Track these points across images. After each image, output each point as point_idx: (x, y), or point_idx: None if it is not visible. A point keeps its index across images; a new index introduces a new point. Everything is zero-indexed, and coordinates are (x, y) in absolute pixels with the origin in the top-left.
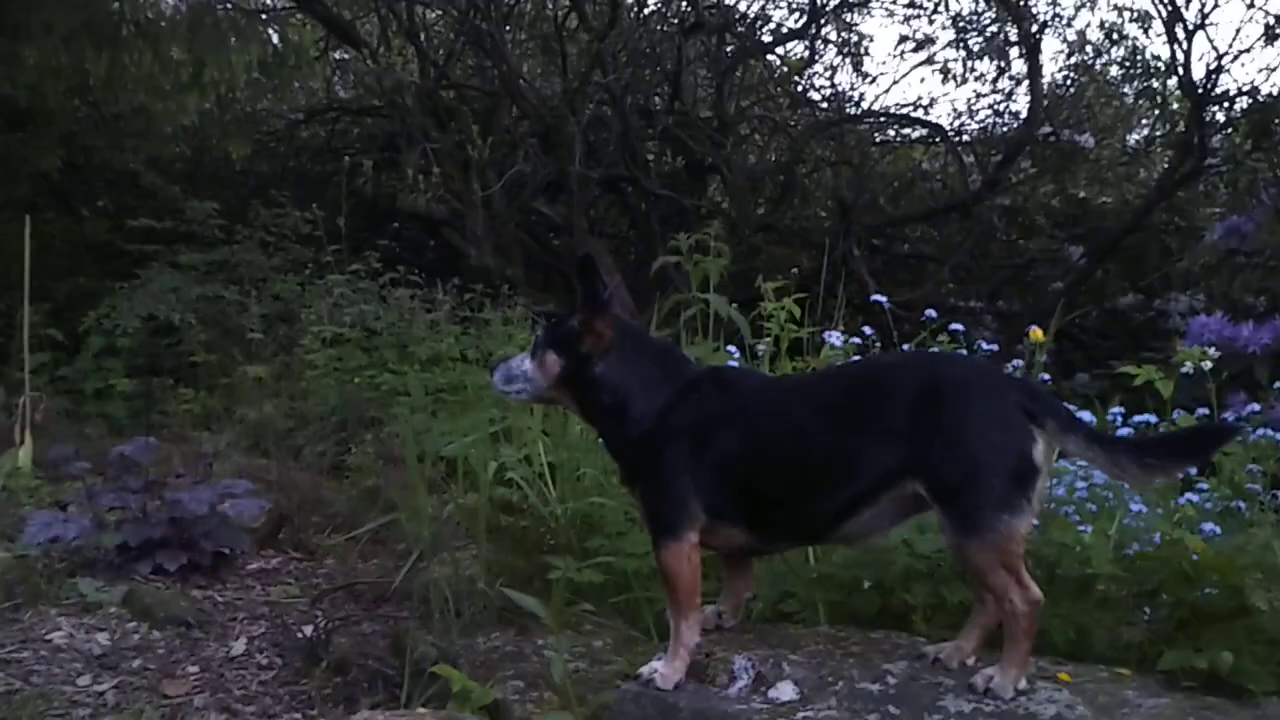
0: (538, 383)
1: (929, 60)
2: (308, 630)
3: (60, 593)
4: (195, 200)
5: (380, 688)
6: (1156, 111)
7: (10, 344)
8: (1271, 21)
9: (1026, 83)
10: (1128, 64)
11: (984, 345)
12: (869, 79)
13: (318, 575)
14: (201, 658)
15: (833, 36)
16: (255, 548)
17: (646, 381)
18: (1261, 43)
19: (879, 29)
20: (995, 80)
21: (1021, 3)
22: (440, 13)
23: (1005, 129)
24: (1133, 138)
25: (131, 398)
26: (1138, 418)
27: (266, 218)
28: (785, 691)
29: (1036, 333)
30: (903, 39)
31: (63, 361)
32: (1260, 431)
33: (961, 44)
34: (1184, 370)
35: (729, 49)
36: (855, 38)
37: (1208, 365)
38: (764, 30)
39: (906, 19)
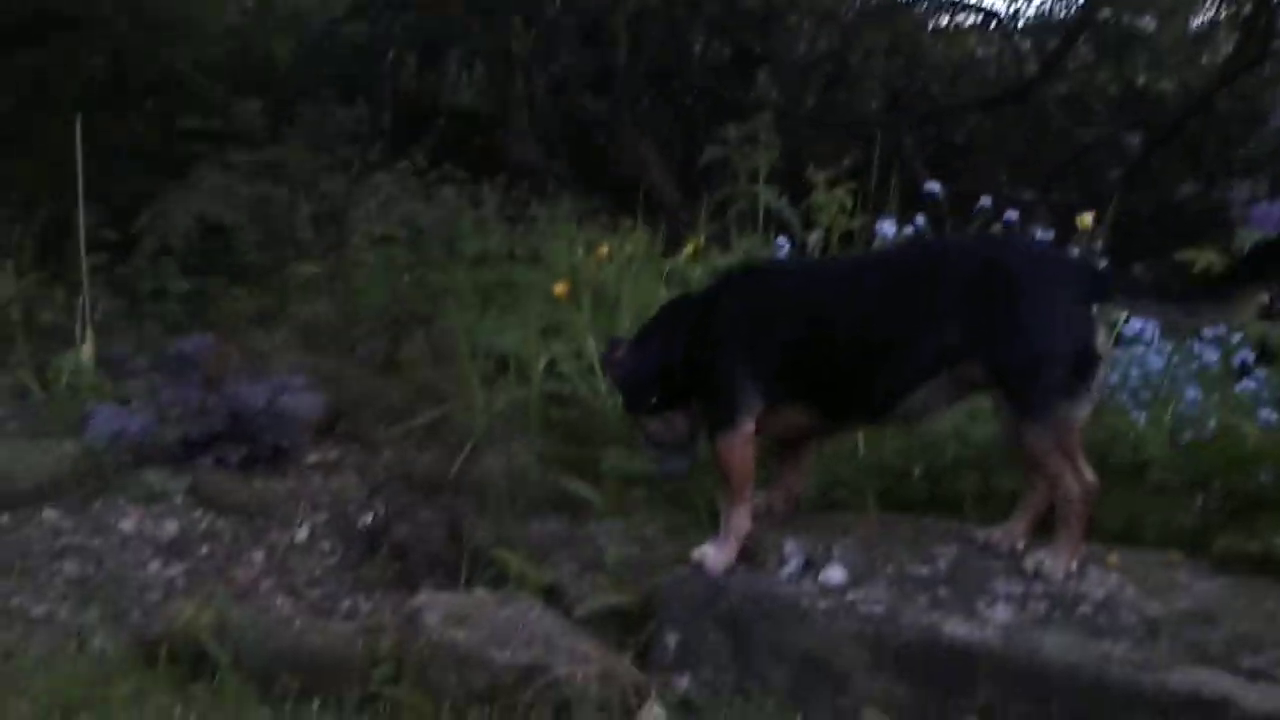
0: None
1: None
2: (367, 519)
3: (127, 484)
4: (241, 100)
5: (439, 572)
6: None
7: (67, 245)
8: None
9: None
10: None
11: (1038, 234)
12: None
13: (375, 467)
14: (266, 545)
15: None
16: (313, 440)
17: (655, 342)
18: None
19: None
20: None
21: None
22: None
23: (1063, 13)
24: (1196, 20)
25: (187, 297)
26: None
27: (312, 116)
28: (835, 575)
29: (1083, 219)
30: None
31: (118, 262)
32: None
33: None
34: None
35: None
36: None
37: None
38: None
39: None
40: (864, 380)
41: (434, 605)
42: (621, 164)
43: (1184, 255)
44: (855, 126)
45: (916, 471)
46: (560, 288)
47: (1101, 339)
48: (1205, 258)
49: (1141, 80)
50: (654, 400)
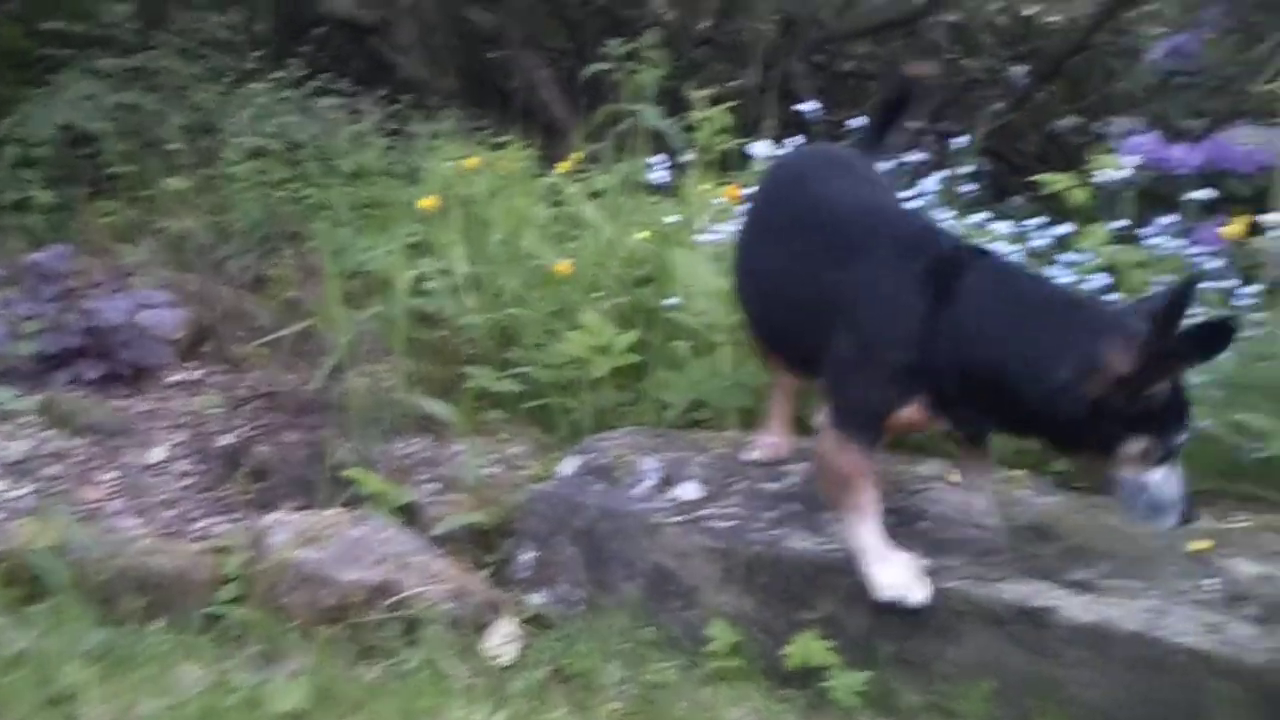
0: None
1: None
2: (228, 439)
3: None
4: (109, 3)
5: (300, 493)
6: None
7: None
8: None
9: None
10: None
11: (915, 157)
12: None
13: (240, 386)
14: (120, 464)
15: None
16: (177, 359)
17: None
18: None
19: None
20: None
21: None
22: None
23: None
24: None
25: (51, 210)
26: (1058, 230)
27: (185, 22)
28: (688, 491)
29: None
30: None
31: None
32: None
33: None
34: (1098, 179)
35: None
36: None
37: (1123, 174)
38: None
39: None
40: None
41: (283, 525)
42: (511, 79)
43: (1040, 178)
44: (746, 50)
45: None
46: (427, 202)
47: None
48: (1059, 181)
49: (1029, 12)
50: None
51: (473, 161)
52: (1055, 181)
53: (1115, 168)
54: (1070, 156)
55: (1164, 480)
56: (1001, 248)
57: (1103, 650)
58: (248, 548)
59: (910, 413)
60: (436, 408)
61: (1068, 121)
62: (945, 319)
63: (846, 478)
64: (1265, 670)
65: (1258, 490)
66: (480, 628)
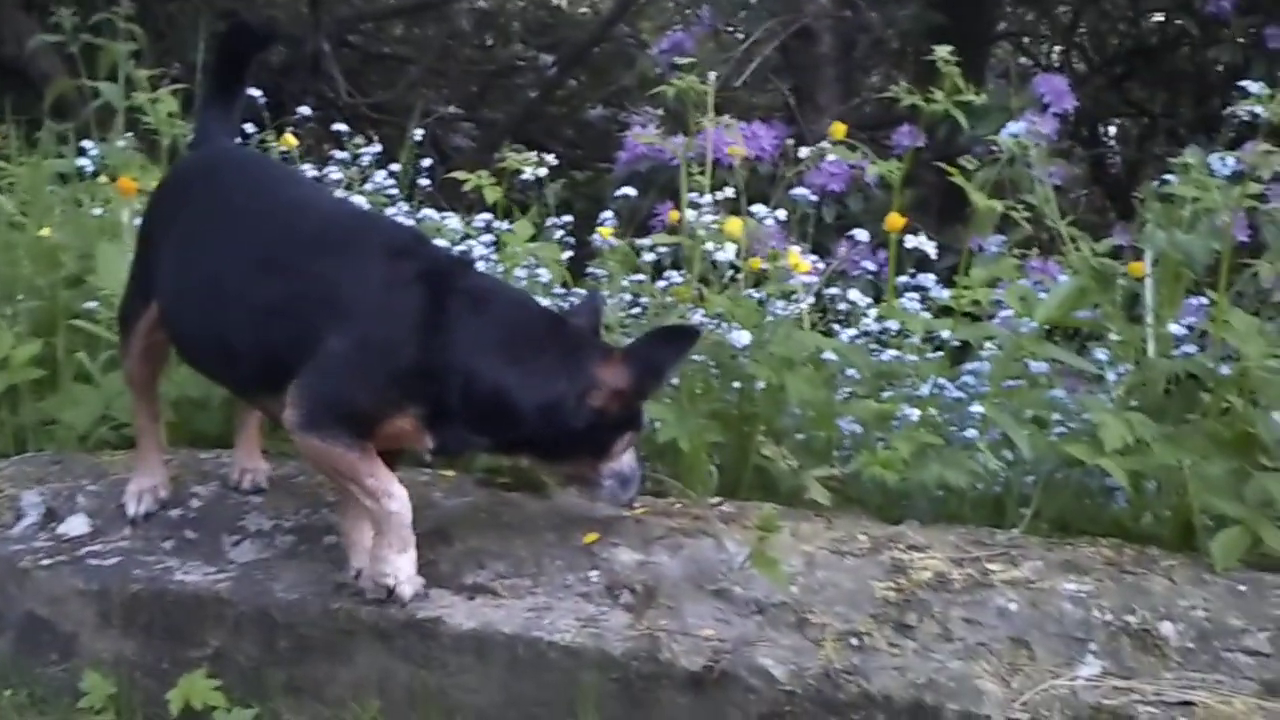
0: None
1: None
2: None
3: None
4: None
5: None
6: None
7: None
8: None
9: None
10: None
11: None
12: None
13: None
14: None
15: None
16: None
17: None
18: None
19: None
20: None
21: None
22: None
23: None
24: None
25: None
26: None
27: None
28: (75, 525)
29: None
30: None
31: None
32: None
33: None
34: (524, 176)
35: None
36: None
37: (541, 172)
38: None
39: None
40: None
41: None
42: (4, 47)
43: (457, 174)
44: (271, 25)
45: (215, 401)
46: None
47: None
48: (476, 181)
49: (557, 2)
50: None
51: None
52: (471, 181)
53: (532, 165)
54: (599, 144)
55: (631, 459)
56: (449, 241)
57: (484, 655)
58: None
59: (402, 423)
60: None
61: (597, 111)
62: (440, 329)
63: (354, 466)
64: (628, 658)
65: (661, 475)
66: None
